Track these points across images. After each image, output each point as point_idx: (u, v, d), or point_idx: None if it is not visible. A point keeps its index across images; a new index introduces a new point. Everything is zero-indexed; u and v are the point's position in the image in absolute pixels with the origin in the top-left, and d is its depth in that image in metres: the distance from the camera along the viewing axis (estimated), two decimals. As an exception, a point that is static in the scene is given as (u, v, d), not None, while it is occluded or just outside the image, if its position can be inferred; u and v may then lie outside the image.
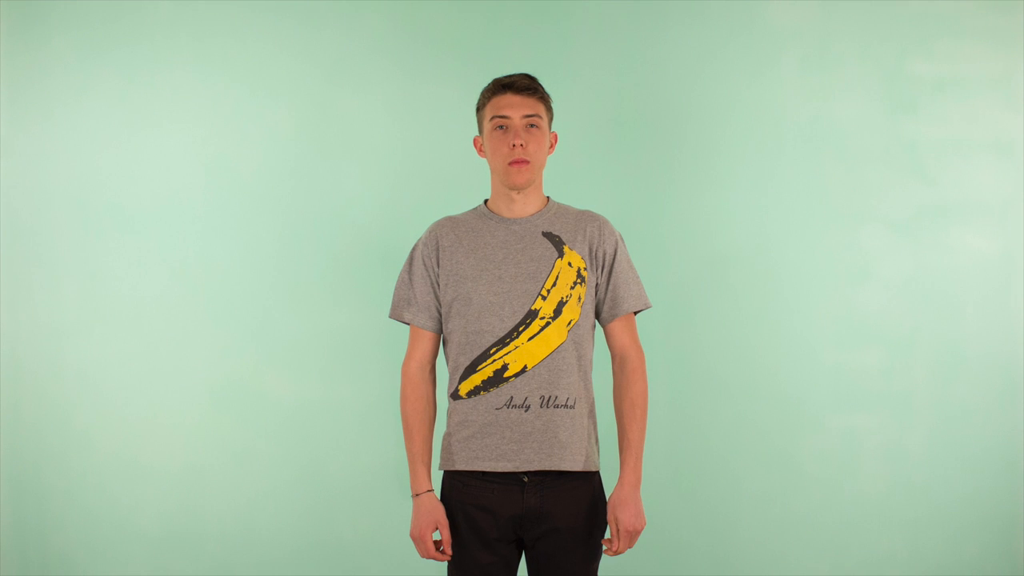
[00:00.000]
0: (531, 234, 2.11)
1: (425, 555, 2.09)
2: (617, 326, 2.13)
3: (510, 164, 2.07)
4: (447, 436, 2.13)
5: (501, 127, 2.07)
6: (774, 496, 2.83)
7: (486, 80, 2.19)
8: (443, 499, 2.13)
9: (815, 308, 2.80)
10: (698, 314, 2.81)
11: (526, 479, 2.04)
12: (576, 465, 2.06)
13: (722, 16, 2.78)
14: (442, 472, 2.15)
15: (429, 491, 2.11)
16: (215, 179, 2.83)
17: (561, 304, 2.06)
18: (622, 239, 2.17)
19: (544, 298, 2.06)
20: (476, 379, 2.06)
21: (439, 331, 2.16)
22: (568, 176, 2.74)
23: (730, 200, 2.80)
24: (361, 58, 2.81)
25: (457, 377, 2.10)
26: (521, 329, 2.05)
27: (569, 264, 2.08)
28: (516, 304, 2.06)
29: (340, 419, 2.85)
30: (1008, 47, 2.74)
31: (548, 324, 2.05)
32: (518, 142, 2.05)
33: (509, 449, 2.04)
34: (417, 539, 2.09)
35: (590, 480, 2.12)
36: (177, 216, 2.84)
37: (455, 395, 2.10)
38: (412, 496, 2.12)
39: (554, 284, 2.06)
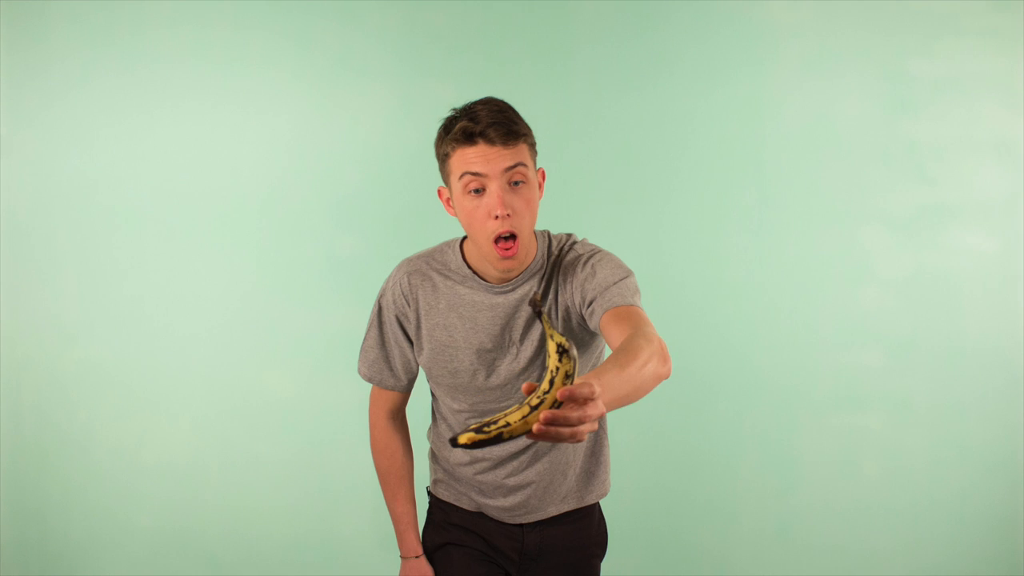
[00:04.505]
0: (517, 307, 1.74)
1: None
2: (609, 320, 1.61)
3: (495, 243, 1.64)
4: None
5: (476, 190, 1.63)
6: (774, 496, 2.83)
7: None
8: (432, 515, 1.97)
9: (815, 308, 2.80)
10: (698, 313, 2.81)
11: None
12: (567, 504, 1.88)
13: (722, 16, 2.77)
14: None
15: (418, 556, 1.95)
16: (216, 177, 2.83)
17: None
18: (593, 254, 1.74)
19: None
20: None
21: (409, 389, 1.94)
22: (566, 176, 2.74)
23: (730, 199, 2.80)
24: (362, 55, 2.80)
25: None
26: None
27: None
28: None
29: (340, 419, 2.84)
30: (1008, 47, 2.74)
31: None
32: (501, 212, 1.60)
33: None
34: None
35: (592, 514, 1.95)
36: (177, 214, 2.84)
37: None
38: (400, 557, 1.97)
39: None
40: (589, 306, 1.66)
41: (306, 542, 2.86)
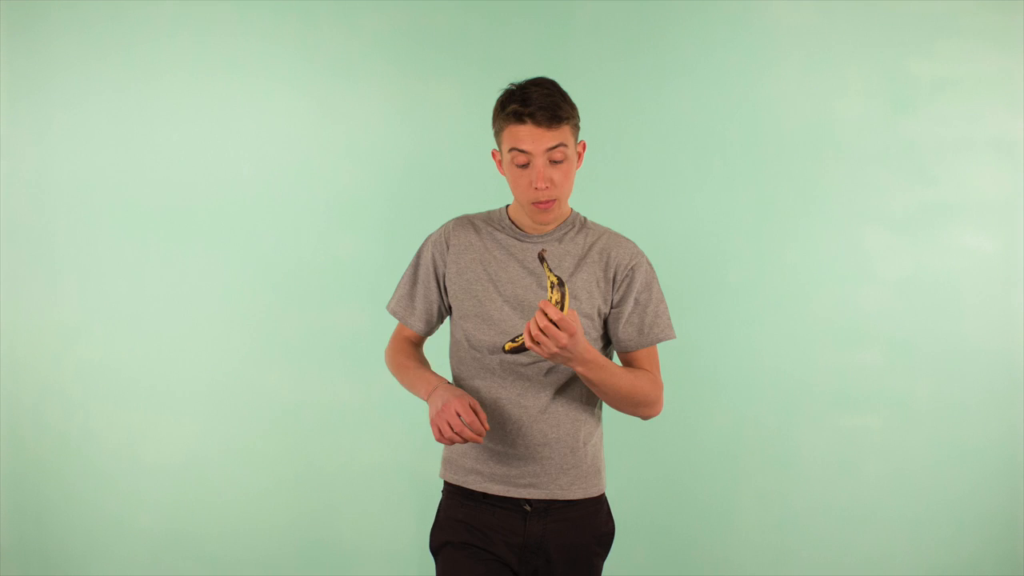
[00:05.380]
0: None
1: (459, 428, 1.79)
2: (638, 356, 1.97)
3: (534, 205, 1.88)
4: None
5: (521, 164, 1.86)
6: (774, 496, 2.83)
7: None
8: (439, 513, 2.02)
9: (815, 308, 2.80)
10: (698, 314, 2.81)
11: (528, 507, 1.93)
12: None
13: (723, 16, 2.77)
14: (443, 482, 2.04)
15: (435, 388, 1.89)
16: (215, 178, 2.83)
17: None
18: (649, 272, 1.99)
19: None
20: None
21: (429, 334, 2.08)
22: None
23: (730, 200, 2.80)
24: (361, 57, 2.80)
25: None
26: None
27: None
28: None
29: (340, 419, 2.85)
30: (1008, 47, 2.74)
31: None
32: (541, 185, 1.84)
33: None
34: (443, 412, 1.80)
35: (598, 511, 1.99)
36: (177, 215, 2.84)
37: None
38: (427, 399, 1.89)
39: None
40: (625, 326, 1.96)
41: (306, 543, 2.86)
